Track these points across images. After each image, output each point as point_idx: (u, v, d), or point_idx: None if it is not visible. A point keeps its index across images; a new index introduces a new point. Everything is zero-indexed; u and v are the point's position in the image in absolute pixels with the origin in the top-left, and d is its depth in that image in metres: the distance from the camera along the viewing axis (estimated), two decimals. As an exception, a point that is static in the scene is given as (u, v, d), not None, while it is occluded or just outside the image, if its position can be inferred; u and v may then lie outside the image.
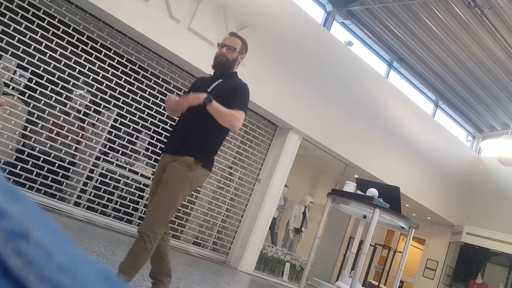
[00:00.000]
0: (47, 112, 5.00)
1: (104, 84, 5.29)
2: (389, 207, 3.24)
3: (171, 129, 2.33)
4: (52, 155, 5.05)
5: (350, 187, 3.57)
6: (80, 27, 5.07)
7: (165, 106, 2.27)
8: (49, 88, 4.94)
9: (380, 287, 8.63)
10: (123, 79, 5.40)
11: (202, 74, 5.75)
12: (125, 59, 5.41)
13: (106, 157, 5.61)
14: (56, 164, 5.01)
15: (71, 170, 5.23)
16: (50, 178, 4.93)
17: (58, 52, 4.96)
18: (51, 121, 5.16)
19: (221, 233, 6.35)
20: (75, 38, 5.05)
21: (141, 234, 2.12)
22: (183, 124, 2.33)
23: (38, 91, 4.88)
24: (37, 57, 4.82)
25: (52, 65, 4.92)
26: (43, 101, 4.90)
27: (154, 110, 5.66)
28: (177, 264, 4.43)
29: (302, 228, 8.10)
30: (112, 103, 5.42)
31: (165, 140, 5.75)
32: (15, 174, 4.70)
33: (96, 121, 5.54)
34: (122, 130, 5.50)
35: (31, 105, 4.96)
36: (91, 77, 5.20)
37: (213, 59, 2.47)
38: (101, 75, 5.25)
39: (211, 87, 2.33)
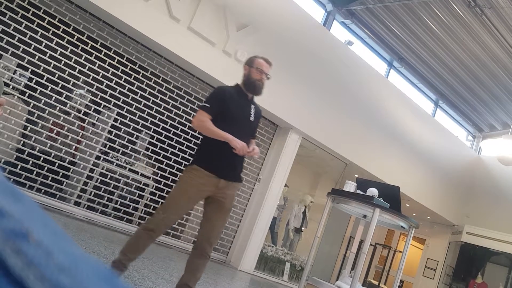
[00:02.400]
0: (47, 111, 5.00)
1: (104, 84, 5.29)
2: (389, 207, 3.24)
3: (217, 153, 2.47)
4: (52, 154, 5.05)
5: (350, 186, 3.57)
6: (80, 26, 5.07)
7: (235, 145, 2.34)
8: (49, 88, 4.94)
9: (380, 286, 8.63)
10: (123, 79, 5.40)
11: (202, 74, 5.76)
12: (125, 58, 5.41)
13: (106, 157, 5.61)
14: (56, 164, 5.01)
15: (71, 170, 5.23)
16: (50, 178, 4.93)
17: (58, 52, 4.96)
18: (51, 121, 5.16)
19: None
20: (75, 37, 5.05)
21: (209, 255, 2.48)
22: (235, 156, 2.43)
23: (38, 91, 4.88)
24: (37, 57, 4.82)
25: (52, 65, 4.92)
26: (43, 101, 4.90)
27: (154, 109, 5.66)
28: (177, 264, 4.43)
29: (302, 228, 8.10)
30: (112, 103, 5.42)
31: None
32: (15, 174, 4.70)
33: (96, 121, 5.54)
34: (122, 130, 5.50)
35: (31, 104, 4.96)
36: (91, 77, 5.20)
37: (246, 80, 2.56)
38: (101, 74, 5.25)
39: (251, 115, 2.56)
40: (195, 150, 2.60)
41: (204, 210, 2.52)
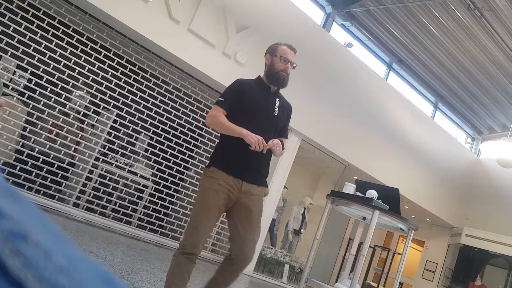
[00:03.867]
0: (46, 112, 4.99)
1: (104, 85, 5.29)
2: (388, 209, 3.24)
3: (236, 152, 2.19)
4: (51, 155, 5.04)
5: (350, 188, 3.57)
6: (79, 28, 5.07)
7: (249, 140, 2.05)
8: (49, 89, 4.93)
9: (379, 288, 8.62)
10: (122, 80, 5.40)
11: (201, 76, 5.76)
12: (124, 60, 5.41)
13: (105, 158, 5.60)
14: (55, 165, 5.00)
15: (70, 171, 5.23)
16: (49, 179, 4.92)
17: (58, 53, 4.96)
18: (50, 122, 5.15)
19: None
20: (75, 39, 5.05)
21: (248, 262, 2.20)
22: (256, 155, 2.17)
23: (38, 92, 4.88)
24: (36, 58, 4.82)
25: (51, 66, 4.92)
26: (42, 102, 4.90)
27: (153, 111, 5.66)
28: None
29: (302, 230, 8.10)
30: (112, 104, 5.42)
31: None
32: (14, 175, 4.70)
33: (96, 122, 5.54)
34: (122, 131, 5.50)
35: (31, 105, 4.95)
36: (90, 78, 5.20)
37: (269, 71, 2.31)
38: (100, 76, 5.25)
39: (276, 109, 2.28)
40: (212, 151, 2.34)
41: (230, 223, 2.24)
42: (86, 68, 5.14)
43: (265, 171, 2.33)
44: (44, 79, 4.90)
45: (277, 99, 2.32)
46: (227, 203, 2.17)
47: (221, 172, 2.15)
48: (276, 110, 2.28)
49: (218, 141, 2.35)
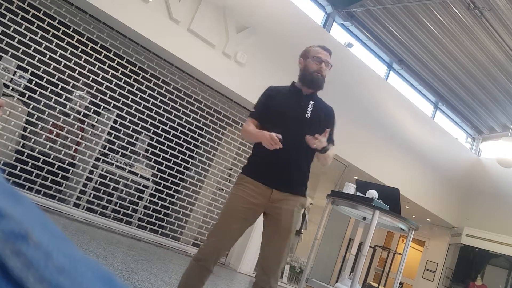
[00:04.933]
0: (46, 113, 4.99)
1: (104, 85, 5.29)
2: (388, 209, 3.24)
3: (264, 158, 2.05)
4: (52, 156, 5.05)
5: (350, 188, 3.57)
6: (80, 28, 5.07)
7: (263, 141, 1.92)
8: (49, 89, 4.94)
9: (379, 288, 8.62)
10: (123, 80, 5.40)
11: (202, 76, 5.76)
12: (125, 60, 5.41)
13: (105, 158, 5.61)
14: (56, 165, 5.00)
15: (70, 171, 5.23)
16: (49, 179, 4.93)
17: (58, 53, 4.96)
18: (50, 122, 5.16)
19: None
20: (75, 39, 5.05)
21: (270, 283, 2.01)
22: (288, 160, 2.05)
23: (38, 92, 4.88)
24: (37, 58, 4.82)
25: (52, 66, 4.92)
26: (42, 102, 4.90)
27: (154, 111, 5.66)
28: (177, 266, 4.42)
29: (302, 230, 8.09)
30: (112, 104, 5.42)
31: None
32: (14, 175, 4.70)
33: (96, 122, 5.54)
34: (122, 131, 5.50)
35: (31, 106, 4.96)
36: (91, 78, 5.20)
37: (303, 74, 2.21)
38: (101, 76, 5.25)
39: (308, 111, 2.12)
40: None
41: (262, 233, 2.10)
42: (87, 69, 5.14)
43: (300, 178, 2.12)
44: (45, 79, 4.91)
45: (311, 102, 2.17)
46: (253, 212, 2.04)
47: (248, 178, 2.05)
48: (309, 112, 2.12)
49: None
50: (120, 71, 5.37)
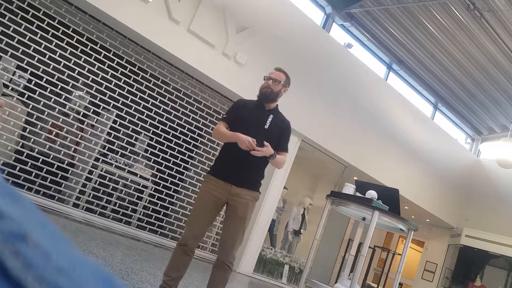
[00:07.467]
0: (46, 113, 4.99)
1: (104, 86, 5.29)
2: (388, 209, 3.24)
3: (226, 158, 2.54)
4: (51, 156, 5.04)
5: (349, 189, 3.57)
6: (79, 28, 5.07)
7: (239, 142, 2.34)
8: (48, 89, 4.93)
9: (379, 289, 8.61)
10: (122, 81, 5.40)
11: (201, 76, 5.76)
12: (124, 60, 5.41)
13: (105, 159, 5.60)
14: (55, 165, 5.00)
15: (70, 171, 5.23)
16: (49, 179, 4.92)
17: (58, 53, 4.96)
18: (50, 122, 5.15)
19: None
20: (75, 39, 5.05)
21: (227, 264, 2.45)
22: (246, 160, 2.41)
23: (37, 92, 4.88)
24: (36, 58, 4.82)
25: (51, 66, 4.92)
26: (42, 102, 4.90)
27: (153, 111, 5.66)
28: (176, 266, 4.41)
29: (301, 230, 8.09)
30: (112, 105, 5.42)
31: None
32: (14, 175, 4.69)
33: (95, 122, 5.54)
34: (121, 132, 5.50)
35: (30, 106, 4.95)
36: (90, 78, 5.20)
37: (259, 90, 2.63)
38: (100, 76, 5.25)
39: (267, 123, 2.53)
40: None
41: (223, 220, 2.58)
42: (86, 69, 5.14)
43: (257, 176, 2.56)
44: (44, 79, 4.90)
45: (271, 116, 2.57)
46: (217, 204, 2.45)
47: (212, 177, 2.47)
48: (267, 124, 2.53)
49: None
50: (119, 71, 5.37)
